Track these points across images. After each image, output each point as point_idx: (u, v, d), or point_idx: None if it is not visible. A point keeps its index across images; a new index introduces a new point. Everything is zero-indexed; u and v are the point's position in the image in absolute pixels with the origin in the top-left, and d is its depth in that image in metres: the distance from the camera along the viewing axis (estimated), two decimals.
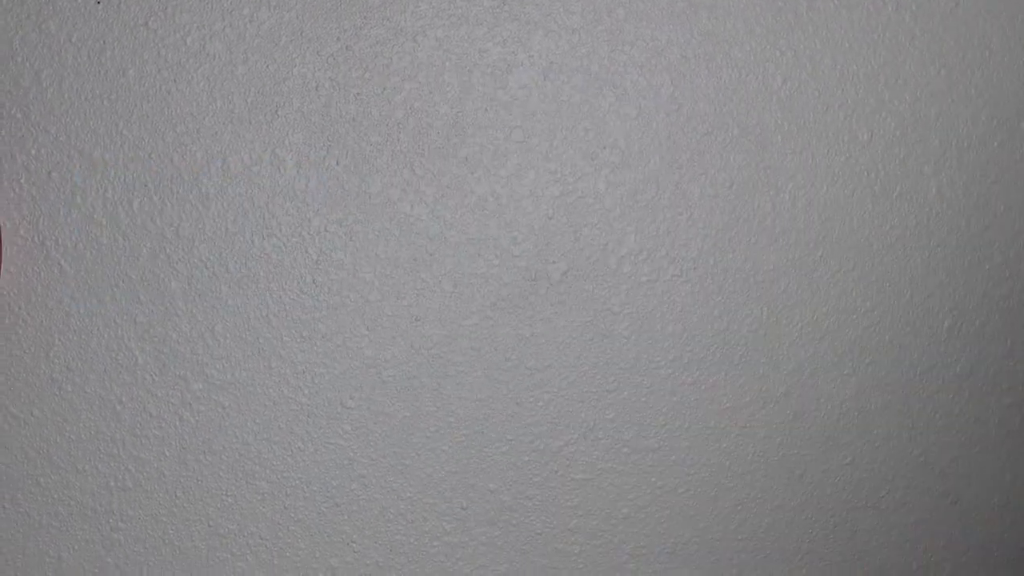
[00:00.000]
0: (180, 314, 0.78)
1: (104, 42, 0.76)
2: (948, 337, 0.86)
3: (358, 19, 0.77)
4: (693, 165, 0.78)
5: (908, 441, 0.88)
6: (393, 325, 0.80)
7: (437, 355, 0.81)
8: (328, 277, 0.79)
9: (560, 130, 0.81)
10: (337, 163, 0.78)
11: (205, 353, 0.79)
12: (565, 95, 0.80)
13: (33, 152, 0.75)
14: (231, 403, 0.79)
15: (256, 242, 0.78)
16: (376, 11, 0.77)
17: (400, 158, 0.79)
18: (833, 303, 0.84)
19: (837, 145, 0.85)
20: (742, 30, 0.83)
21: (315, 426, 0.81)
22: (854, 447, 0.88)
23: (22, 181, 0.75)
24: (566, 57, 0.80)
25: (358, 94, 0.78)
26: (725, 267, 0.83)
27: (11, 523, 0.79)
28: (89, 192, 0.76)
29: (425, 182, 0.79)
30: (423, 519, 0.83)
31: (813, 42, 0.84)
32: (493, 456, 0.83)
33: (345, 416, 0.81)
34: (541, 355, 0.82)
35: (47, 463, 0.78)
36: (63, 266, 0.76)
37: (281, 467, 0.81)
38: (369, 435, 0.81)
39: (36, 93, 0.75)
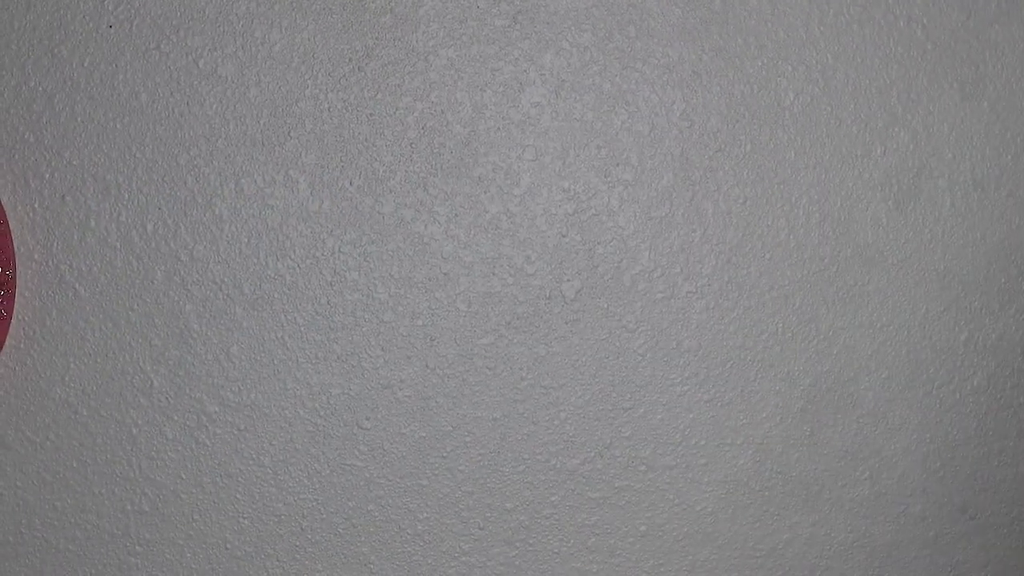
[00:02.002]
0: (195, 336, 0.78)
1: (116, 66, 0.76)
2: (965, 351, 0.86)
3: (369, 40, 0.77)
4: (706, 181, 0.78)
5: (926, 456, 0.88)
6: (408, 345, 0.80)
7: (452, 375, 0.81)
8: (342, 298, 0.79)
9: (573, 148, 0.81)
10: (350, 184, 0.78)
11: (220, 375, 0.79)
12: (577, 113, 0.80)
13: (47, 177, 0.75)
14: (247, 425, 0.79)
15: (270, 263, 0.78)
16: (387, 31, 0.78)
17: (413, 178, 0.79)
18: (849, 318, 0.84)
19: (850, 159, 0.85)
20: (753, 45, 0.83)
21: (331, 447, 0.81)
22: (872, 462, 0.87)
23: (36, 206, 0.75)
24: (578, 75, 0.80)
25: (370, 115, 0.78)
26: (740, 283, 0.83)
27: (28, 547, 0.79)
28: (103, 216, 0.76)
29: (438, 202, 0.79)
30: (440, 539, 0.83)
31: (825, 56, 0.84)
32: (510, 475, 0.83)
33: (361, 437, 0.81)
34: (556, 373, 0.82)
35: (63, 487, 0.78)
36: (78, 290, 0.77)
37: (298, 489, 0.81)
38: (385, 456, 0.81)
39: (49, 117, 0.75)
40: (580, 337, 0.82)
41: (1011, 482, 0.87)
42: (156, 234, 0.77)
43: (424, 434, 0.82)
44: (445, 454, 0.82)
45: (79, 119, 0.75)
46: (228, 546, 0.81)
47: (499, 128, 0.80)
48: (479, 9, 0.79)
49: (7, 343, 0.76)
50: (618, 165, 0.81)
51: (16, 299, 0.76)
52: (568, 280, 0.81)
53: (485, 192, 0.80)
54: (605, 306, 0.82)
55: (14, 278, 0.75)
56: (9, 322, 0.76)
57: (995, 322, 0.87)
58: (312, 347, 0.79)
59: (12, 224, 0.76)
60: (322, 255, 0.79)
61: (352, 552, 0.82)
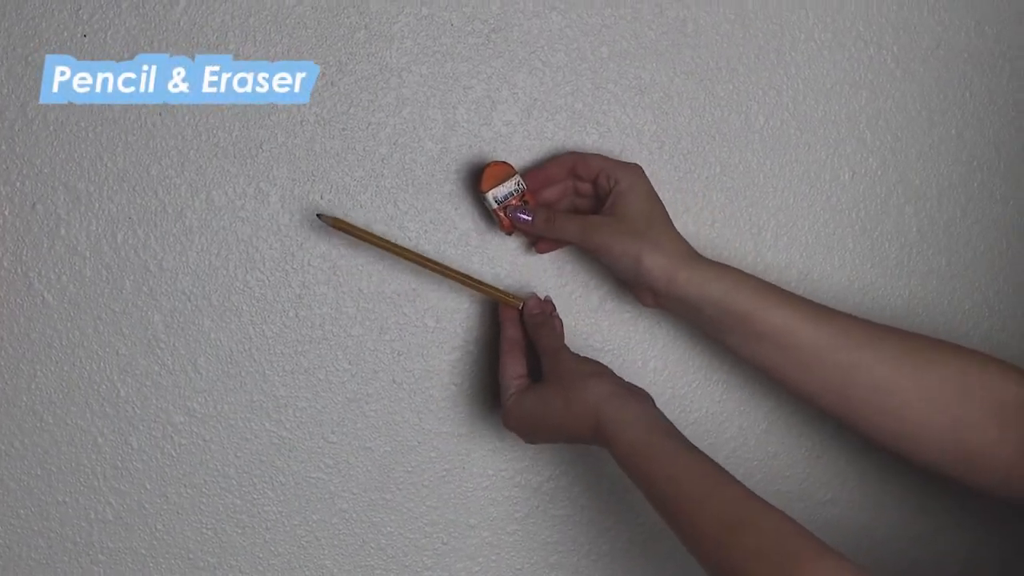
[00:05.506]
0: (163, 347, 0.78)
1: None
2: None
3: (343, 55, 0.78)
4: (675, 203, 0.78)
5: (885, 480, 0.88)
6: (375, 359, 0.80)
7: (419, 390, 0.81)
8: (311, 311, 0.79)
9: None
10: (321, 198, 0.78)
11: (187, 386, 0.79)
12: (549, 132, 0.81)
13: (18, 184, 0.75)
14: (213, 436, 0.79)
15: (239, 276, 0.78)
16: (361, 47, 0.78)
17: (384, 193, 0.79)
18: None
19: (819, 184, 0.86)
20: (725, 69, 0.83)
21: (296, 460, 0.81)
22: (833, 484, 0.88)
23: (6, 213, 0.75)
24: (550, 94, 0.81)
25: (343, 129, 0.78)
26: None
27: None
28: (73, 224, 0.76)
29: (409, 217, 0.80)
30: (403, 554, 0.83)
31: (795, 82, 0.84)
32: (474, 492, 0.83)
33: (327, 450, 0.81)
34: None
35: (27, 495, 0.78)
36: (46, 298, 0.76)
37: (262, 501, 0.81)
38: (351, 469, 0.81)
39: (21, 125, 0.75)
40: None
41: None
42: (126, 244, 0.77)
43: (389, 449, 0.82)
44: (410, 469, 0.82)
45: (51, 127, 0.75)
46: (191, 556, 0.81)
47: (471, 145, 0.80)
48: (453, 27, 0.79)
49: None
50: None
51: None
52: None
53: (455, 209, 0.80)
54: (572, 324, 0.82)
55: None
56: None
57: None
58: (280, 360, 0.79)
59: None
60: (291, 268, 0.79)
61: (315, 564, 0.82)
